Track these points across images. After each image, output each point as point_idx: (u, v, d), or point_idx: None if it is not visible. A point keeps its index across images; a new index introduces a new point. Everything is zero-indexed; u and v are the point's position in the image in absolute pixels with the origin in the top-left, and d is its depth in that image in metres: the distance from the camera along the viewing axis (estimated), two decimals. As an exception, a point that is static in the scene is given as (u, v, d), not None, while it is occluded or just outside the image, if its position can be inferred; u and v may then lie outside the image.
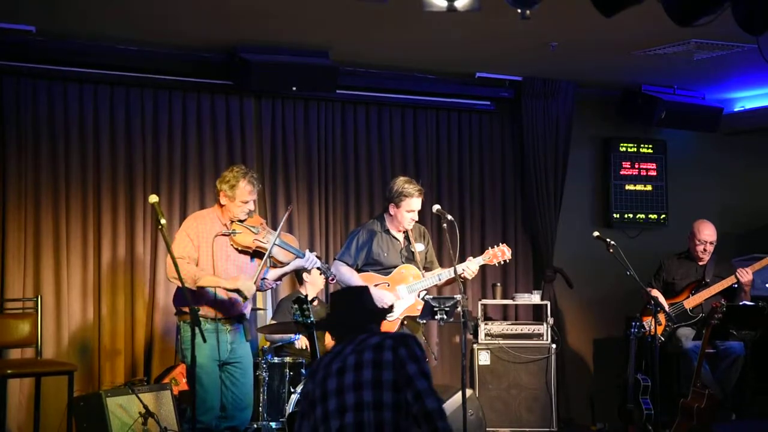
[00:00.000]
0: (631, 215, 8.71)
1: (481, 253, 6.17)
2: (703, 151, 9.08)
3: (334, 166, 7.68)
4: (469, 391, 6.26)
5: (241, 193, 5.44)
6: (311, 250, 5.80)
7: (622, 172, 8.71)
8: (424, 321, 6.09)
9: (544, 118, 8.11)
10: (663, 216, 8.80)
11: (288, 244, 5.58)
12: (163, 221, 5.03)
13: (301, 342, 6.64)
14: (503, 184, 8.29)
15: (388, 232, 6.04)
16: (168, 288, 6.76)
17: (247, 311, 5.66)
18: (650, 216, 8.77)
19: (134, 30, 6.53)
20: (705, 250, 7.37)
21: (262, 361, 6.17)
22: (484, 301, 7.88)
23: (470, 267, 5.95)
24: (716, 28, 4.14)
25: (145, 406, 5.91)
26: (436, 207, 6.06)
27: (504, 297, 8.02)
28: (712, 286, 7.19)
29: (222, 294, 5.40)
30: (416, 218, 6.03)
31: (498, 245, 6.16)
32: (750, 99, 8.72)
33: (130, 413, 5.97)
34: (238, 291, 5.37)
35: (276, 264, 5.63)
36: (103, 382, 6.76)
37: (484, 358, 7.55)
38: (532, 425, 7.50)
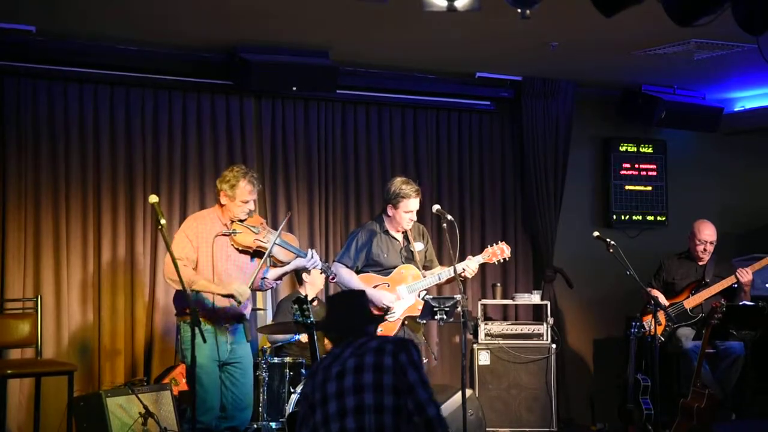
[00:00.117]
0: (631, 215, 8.71)
1: (481, 252, 6.17)
2: (703, 151, 9.08)
3: (334, 166, 7.68)
4: (469, 391, 6.26)
5: (242, 193, 5.44)
6: (311, 250, 5.79)
7: (622, 172, 8.71)
8: (424, 321, 6.08)
9: (544, 118, 8.11)
10: (663, 216, 8.80)
11: (289, 244, 5.58)
12: (163, 221, 5.03)
13: (303, 337, 6.63)
14: (503, 184, 8.29)
15: (387, 232, 6.04)
16: (168, 288, 6.74)
17: (248, 312, 5.66)
18: (650, 216, 8.77)
19: (134, 30, 6.53)
20: (705, 250, 7.37)
21: (262, 361, 6.17)
22: (484, 301, 7.88)
23: (470, 266, 5.95)
24: (716, 28, 4.14)
25: (145, 406, 5.91)
26: (436, 207, 6.05)
27: (504, 297, 8.02)
28: (712, 286, 7.20)
29: (219, 302, 5.39)
30: (414, 218, 6.02)
31: (497, 243, 6.17)
32: (750, 99, 8.72)
33: (130, 413, 5.96)
34: (231, 296, 5.38)
35: (276, 263, 5.64)
36: (103, 382, 6.76)
37: (484, 358, 7.55)
38: (532, 425, 7.50)
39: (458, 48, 7.03)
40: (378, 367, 3.51)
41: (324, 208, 7.63)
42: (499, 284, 7.94)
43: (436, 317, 5.76)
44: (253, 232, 5.49)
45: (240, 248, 5.51)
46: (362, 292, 4.06)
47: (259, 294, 7.07)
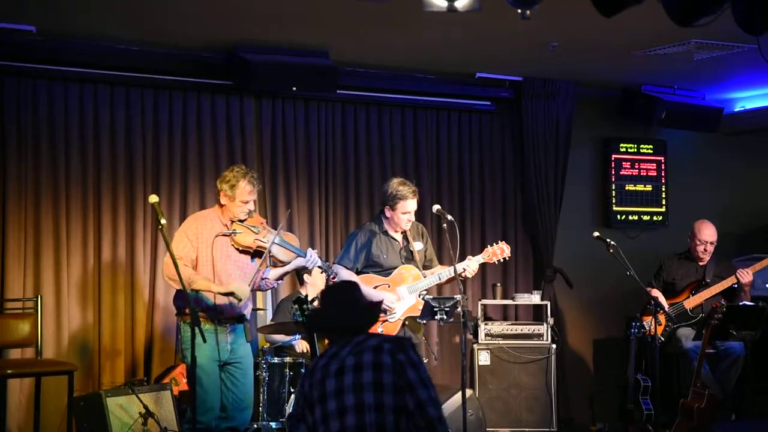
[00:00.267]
0: (631, 215, 8.71)
1: (481, 252, 6.17)
2: (703, 151, 9.08)
3: (334, 166, 7.68)
4: (469, 391, 6.26)
5: (241, 193, 5.44)
6: (312, 249, 5.80)
7: (622, 172, 8.71)
8: (425, 321, 6.08)
9: (544, 118, 8.11)
10: (663, 216, 8.80)
11: (289, 243, 5.58)
12: (163, 221, 5.04)
13: (301, 345, 6.63)
14: (503, 184, 8.29)
15: (386, 233, 6.03)
16: (168, 288, 6.75)
17: (248, 311, 5.66)
18: (650, 216, 8.77)
19: (134, 30, 6.53)
20: (705, 250, 7.37)
21: (262, 362, 6.17)
22: (484, 301, 7.88)
23: (470, 266, 5.95)
24: (716, 28, 4.14)
25: (145, 406, 5.91)
26: (436, 207, 6.05)
27: (504, 297, 8.02)
28: (712, 287, 7.20)
29: (219, 301, 5.39)
30: (413, 219, 6.01)
31: (497, 243, 6.17)
32: (750, 99, 8.72)
33: (130, 413, 5.97)
34: (231, 294, 5.37)
35: (277, 263, 5.63)
36: (103, 382, 6.76)
37: (484, 358, 7.55)
38: (532, 425, 7.50)
39: (458, 48, 7.03)
40: (377, 365, 3.51)
41: (324, 208, 7.63)
42: (499, 284, 7.94)
43: (436, 317, 5.77)
44: (253, 232, 5.49)
45: (240, 248, 5.51)
46: (355, 284, 4.01)
47: (259, 294, 7.07)
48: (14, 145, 6.63)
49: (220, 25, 6.43)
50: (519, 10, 4.19)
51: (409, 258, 6.07)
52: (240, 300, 5.39)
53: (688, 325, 7.20)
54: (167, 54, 6.94)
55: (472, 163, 8.18)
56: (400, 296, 5.94)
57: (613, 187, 8.68)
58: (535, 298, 7.88)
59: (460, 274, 5.84)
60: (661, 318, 7.01)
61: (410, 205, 5.92)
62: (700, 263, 7.43)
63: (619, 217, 8.67)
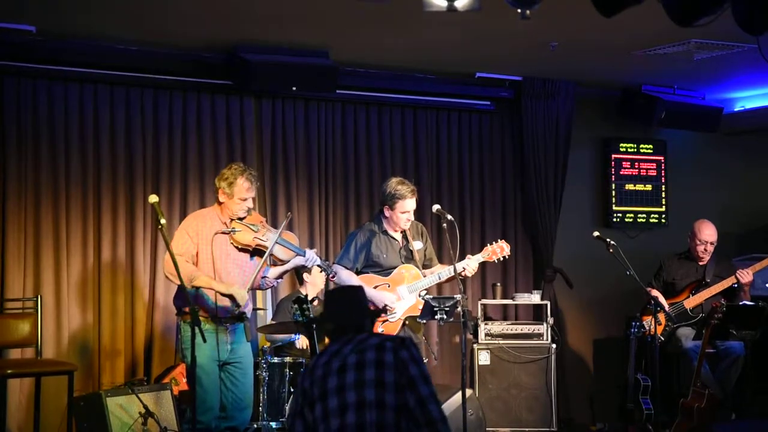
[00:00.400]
0: (631, 215, 8.71)
1: (481, 252, 6.17)
2: (702, 151, 9.08)
3: (334, 166, 7.68)
4: (469, 391, 6.26)
5: (239, 190, 5.45)
6: (311, 248, 5.79)
7: (622, 172, 8.71)
8: (424, 321, 6.08)
9: (544, 118, 8.11)
10: (663, 216, 8.80)
11: (288, 242, 5.58)
12: (163, 221, 5.04)
13: (302, 342, 6.64)
14: (503, 184, 8.29)
15: (386, 233, 6.03)
16: (168, 288, 6.76)
17: (248, 311, 5.66)
18: (650, 216, 8.77)
19: (134, 30, 6.53)
20: (705, 250, 7.37)
21: (262, 361, 6.17)
22: (484, 301, 7.88)
23: (470, 265, 5.95)
24: (716, 28, 4.14)
25: (145, 406, 5.91)
26: (436, 207, 6.04)
27: (504, 297, 8.02)
28: (712, 286, 7.20)
29: (221, 301, 5.39)
30: (412, 218, 6.01)
31: (497, 242, 6.16)
32: (750, 99, 8.72)
33: (130, 413, 5.97)
34: (231, 297, 5.38)
35: (276, 262, 5.64)
36: (103, 382, 6.76)
37: (484, 358, 7.55)
38: (532, 425, 7.50)
39: (458, 48, 7.03)
40: (379, 363, 3.52)
41: (324, 208, 7.63)
42: (499, 284, 7.94)
43: (436, 317, 5.76)
44: (253, 230, 5.50)
45: (239, 246, 5.51)
46: (360, 287, 4.04)
47: (259, 293, 7.07)
48: (14, 145, 6.63)
49: (220, 25, 6.43)
50: (519, 10, 4.19)
51: (409, 257, 6.06)
52: (238, 306, 5.41)
53: (688, 324, 7.20)
54: (167, 54, 6.94)
55: (472, 163, 8.18)
56: (400, 296, 5.94)
57: (613, 187, 8.68)
58: (535, 298, 7.88)
59: (460, 274, 5.84)
60: (661, 318, 7.01)
61: (409, 204, 5.92)
62: (700, 263, 7.43)
63: (619, 217, 8.67)
